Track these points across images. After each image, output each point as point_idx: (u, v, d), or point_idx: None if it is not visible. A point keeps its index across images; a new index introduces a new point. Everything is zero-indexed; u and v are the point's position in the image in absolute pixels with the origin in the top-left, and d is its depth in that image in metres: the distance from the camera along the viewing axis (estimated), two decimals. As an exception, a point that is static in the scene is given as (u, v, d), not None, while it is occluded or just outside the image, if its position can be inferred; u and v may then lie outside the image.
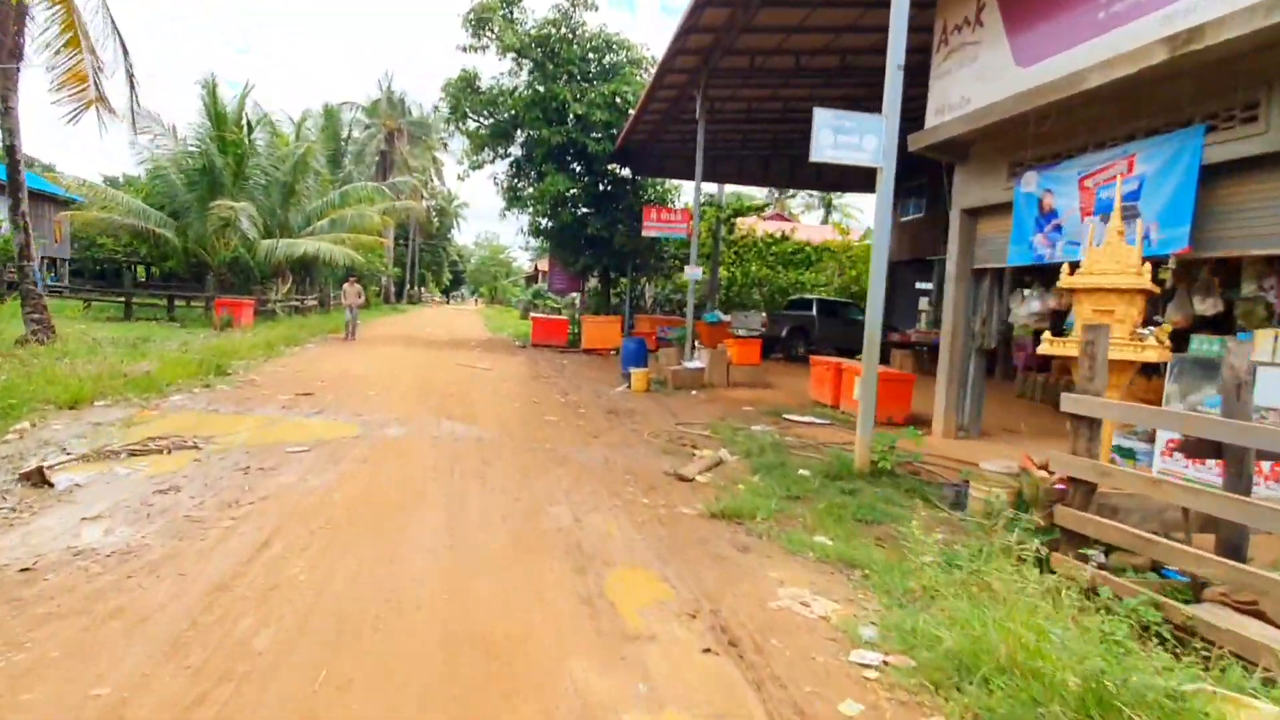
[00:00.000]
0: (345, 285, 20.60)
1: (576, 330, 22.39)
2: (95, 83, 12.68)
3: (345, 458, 6.30)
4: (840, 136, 6.38)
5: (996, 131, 8.52)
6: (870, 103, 17.12)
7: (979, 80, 8.58)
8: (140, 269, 40.37)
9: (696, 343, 14.14)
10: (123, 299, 21.63)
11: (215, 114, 22.35)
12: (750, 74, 14.87)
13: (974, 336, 9.55)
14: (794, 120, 19.19)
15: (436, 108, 30.93)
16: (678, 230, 14.07)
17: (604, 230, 21.25)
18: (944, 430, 9.56)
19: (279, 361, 13.56)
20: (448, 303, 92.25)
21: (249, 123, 23.23)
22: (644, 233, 14.49)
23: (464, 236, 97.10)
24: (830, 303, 21.88)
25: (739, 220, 24.57)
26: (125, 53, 12.46)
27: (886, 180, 6.60)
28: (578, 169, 21.56)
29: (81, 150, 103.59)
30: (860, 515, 5.52)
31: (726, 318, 23.95)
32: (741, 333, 20.97)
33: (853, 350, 22.80)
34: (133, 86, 12.55)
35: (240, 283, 23.00)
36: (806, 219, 50.85)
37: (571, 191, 20.84)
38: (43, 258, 35.83)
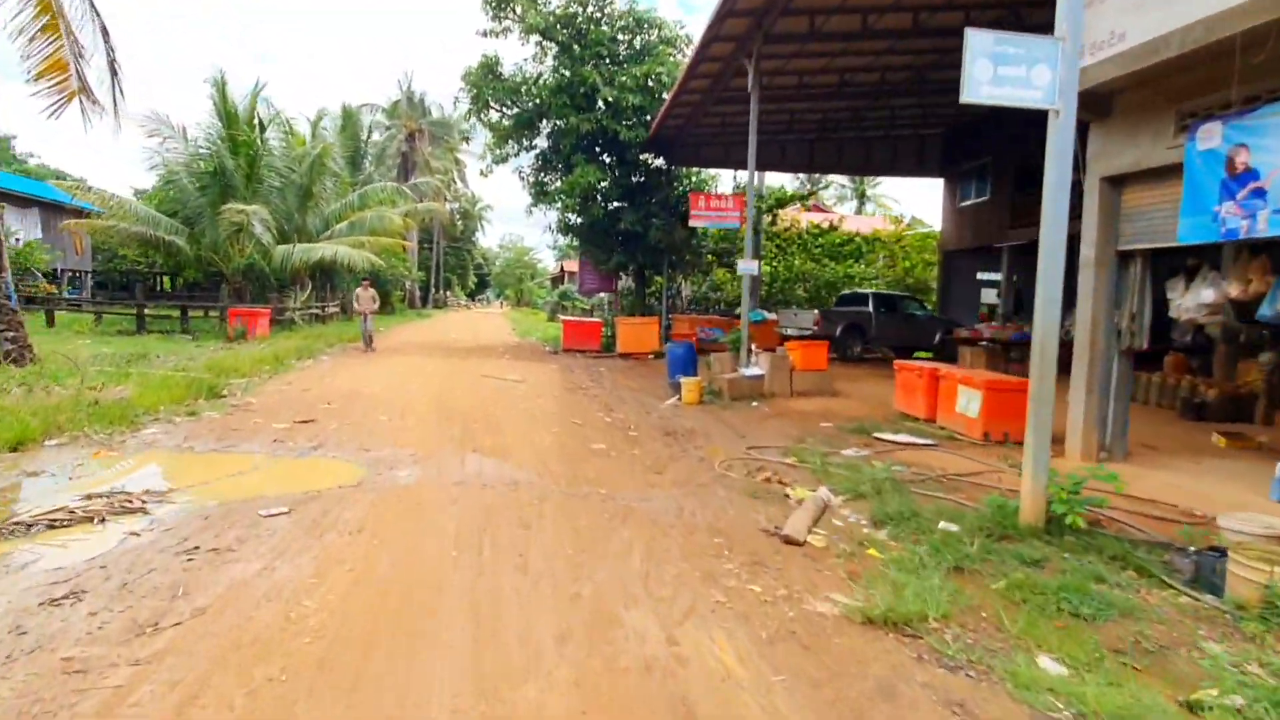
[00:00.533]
0: (359, 290, 19.07)
1: (610, 333, 20.77)
2: (77, 71, 11.30)
3: (335, 525, 4.68)
4: (1002, 68, 4.60)
5: (1159, 73, 6.66)
6: (943, 71, 15.23)
7: (1138, 9, 6.71)
8: (166, 280, 39.73)
9: (753, 346, 12.40)
10: (134, 312, 20.49)
11: (226, 113, 21.11)
12: (808, 38, 13.06)
13: (1119, 335, 7.68)
14: (850, 95, 17.33)
15: (456, 101, 29.58)
16: (729, 219, 12.32)
17: (637, 225, 19.58)
18: (1082, 451, 7.70)
19: (285, 378, 12.12)
20: (473, 306, 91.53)
21: (261, 122, 21.94)
22: (691, 222, 12.77)
23: (488, 239, 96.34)
24: (887, 297, 19.96)
25: (780, 212, 22.74)
26: (105, 35, 11.06)
27: (1064, 126, 4.79)
28: (608, 160, 19.92)
29: (116, 162, 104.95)
30: (1071, 604, 3.76)
31: (771, 316, 22.16)
32: (790, 332, 19.19)
33: (911, 349, 20.89)
34: (114, 74, 11.15)
35: (256, 291, 21.75)
36: (840, 210, 48.82)
37: (602, 184, 19.22)
38: (62, 270, 35.17)
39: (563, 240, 24.63)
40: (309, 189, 24.43)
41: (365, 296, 18.50)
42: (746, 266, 12.56)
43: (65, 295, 29.18)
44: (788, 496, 5.98)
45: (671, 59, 18.88)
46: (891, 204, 48.60)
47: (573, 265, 78.76)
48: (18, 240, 25.57)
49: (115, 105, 11.08)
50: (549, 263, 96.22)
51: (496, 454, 7.12)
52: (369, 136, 38.15)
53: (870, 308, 19.11)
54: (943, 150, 22.19)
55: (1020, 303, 18.48)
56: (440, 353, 18.42)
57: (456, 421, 8.76)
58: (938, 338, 19.59)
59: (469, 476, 6.18)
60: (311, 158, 23.64)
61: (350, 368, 13.95)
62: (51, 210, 29.97)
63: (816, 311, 18.72)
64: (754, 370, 11.85)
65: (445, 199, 58.14)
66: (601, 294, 25.20)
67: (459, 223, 78.54)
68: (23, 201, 28.32)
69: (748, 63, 12.95)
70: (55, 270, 33.36)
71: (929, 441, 8.42)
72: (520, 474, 6.35)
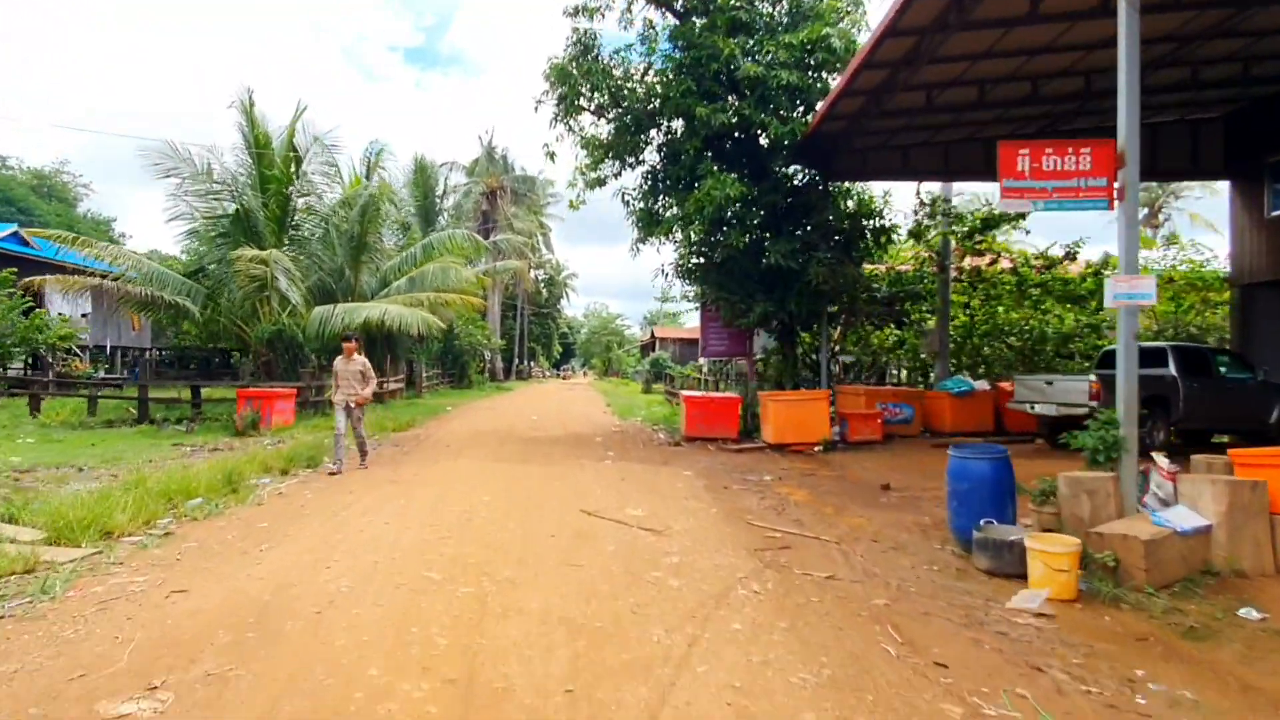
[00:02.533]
0: (338, 360, 10.27)
1: (752, 414, 14.59)
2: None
3: None
4: None
5: None
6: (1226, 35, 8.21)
7: None
8: (237, 356, 36.60)
9: (1158, 463, 5.75)
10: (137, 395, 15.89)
11: (255, 140, 16.81)
12: None
13: None
14: (1079, 71, 10.97)
15: (547, 155, 24.77)
16: (1088, 193, 5.79)
17: (791, 260, 13.51)
18: None
19: (211, 526, 6.42)
20: (559, 376, 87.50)
21: (297, 154, 17.46)
22: (1002, 204, 6.31)
23: (573, 308, 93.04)
24: (1195, 352, 12.87)
25: (987, 238, 16.26)
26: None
27: None
28: (746, 172, 14.15)
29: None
30: None
31: (982, 384, 15.39)
32: (1039, 410, 12.46)
33: (1240, 430, 13.65)
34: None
35: (287, 365, 16.87)
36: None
37: (739, 201, 13.36)
38: (113, 348, 32.35)
39: (679, 290, 18.72)
40: (362, 239, 19.83)
41: (348, 371, 10.02)
42: (1130, 290, 5.97)
43: (105, 376, 25.60)
44: None
45: (847, 14, 13.15)
46: (1194, 229, 34.75)
47: (666, 332, 73.69)
48: (56, 314, 22.04)
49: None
50: (635, 328, 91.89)
51: None
52: (444, 192, 34.31)
53: (1174, 369, 12.08)
54: (1226, 140, 15.32)
55: None
56: (513, 450, 12.58)
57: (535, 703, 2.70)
58: (1276, 414, 12.45)
59: None
60: (364, 199, 19.05)
61: (350, 495, 8.24)
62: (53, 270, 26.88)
63: (1092, 379, 11.82)
64: (1187, 518, 5.24)
65: (529, 262, 54.40)
66: (736, 358, 18.99)
67: (543, 290, 75.34)
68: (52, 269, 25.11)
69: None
70: (105, 347, 30.34)
71: None
72: None
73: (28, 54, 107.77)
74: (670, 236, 15.11)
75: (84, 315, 26.45)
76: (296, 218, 17.48)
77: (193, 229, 17.64)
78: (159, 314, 17.10)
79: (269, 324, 16.36)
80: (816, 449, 13.02)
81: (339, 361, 10.12)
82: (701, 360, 48.19)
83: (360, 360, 10.22)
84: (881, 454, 12.64)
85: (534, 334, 72.05)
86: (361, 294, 20.24)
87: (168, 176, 16.71)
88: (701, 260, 15.04)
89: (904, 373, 20.57)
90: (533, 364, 76.26)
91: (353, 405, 9.97)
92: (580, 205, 16.65)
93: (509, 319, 63.35)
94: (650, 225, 15.00)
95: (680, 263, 14.89)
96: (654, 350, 67.03)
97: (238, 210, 16.38)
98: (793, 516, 7.40)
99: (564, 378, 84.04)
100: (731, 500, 8.26)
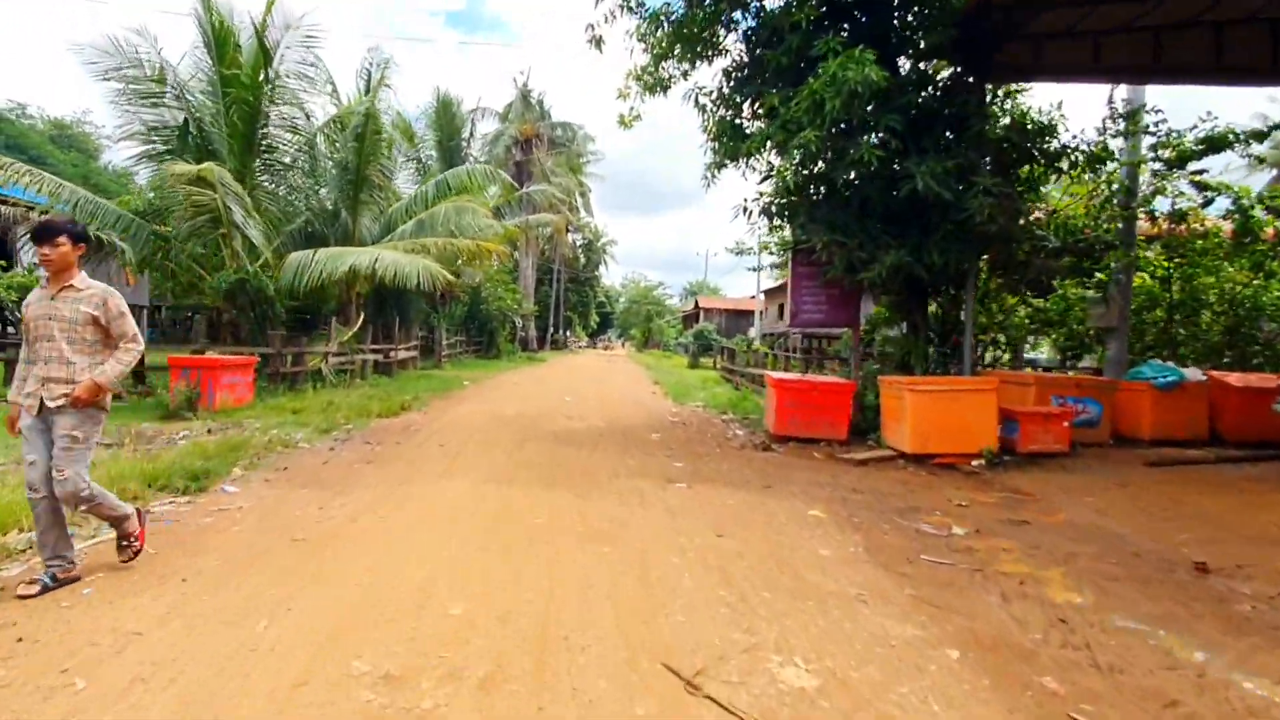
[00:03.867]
0: (33, 293, 3.98)
1: (869, 404, 10.43)
2: None
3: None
4: None
5: None
6: None
7: None
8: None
9: None
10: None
11: (215, 38, 12.86)
12: None
13: None
14: None
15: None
16: None
17: (943, 187, 9.09)
18: None
19: None
20: (600, 347, 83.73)
21: (266, 50, 13.25)
22: None
23: (610, 278, 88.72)
24: None
25: (1200, 165, 11.57)
26: None
27: None
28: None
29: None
30: None
31: (1195, 373, 10.95)
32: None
33: None
34: None
35: (253, 326, 13.06)
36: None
37: (874, 97, 8.94)
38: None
39: (760, 234, 14.23)
40: (360, 173, 15.89)
41: (56, 319, 3.78)
42: None
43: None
44: None
45: None
46: None
47: (711, 302, 69.01)
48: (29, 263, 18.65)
49: None
50: (675, 299, 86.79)
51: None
52: (470, 135, 30.12)
53: None
54: None
55: None
56: (535, 455, 8.54)
57: None
58: None
59: None
60: (359, 116, 15.01)
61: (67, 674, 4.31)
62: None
63: None
64: None
65: (567, 221, 50.24)
66: (837, 327, 14.56)
67: (581, 256, 71.13)
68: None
69: None
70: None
71: None
72: None
73: None
74: (760, 156, 10.76)
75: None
76: (268, 136, 13.59)
77: (146, 150, 13.85)
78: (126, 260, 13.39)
79: (230, 271, 12.56)
80: (976, 463, 8.80)
81: (34, 295, 3.91)
82: (756, 332, 43.18)
83: (93, 292, 3.88)
84: (1083, 476, 8.34)
85: (570, 302, 68.20)
86: (362, 242, 16.39)
87: (107, 79, 12.90)
88: (814, 180, 10.61)
89: (1043, 353, 16.02)
90: (568, 334, 72.59)
91: (62, 409, 3.77)
92: (633, 123, 12.45)
93: (544, 285, 59.38)
94: (735, 140, 10.66)
95: (780, 182, 10.40)
96: (697, 321, 62.52)
97: (186, 120, 12.51)
98: (1115, 674, 3.20)
99: (611, 348, 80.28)
100: (948, 599, 4.10)
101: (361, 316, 16.67)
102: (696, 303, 68.58)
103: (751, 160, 10.90)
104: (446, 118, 27.09)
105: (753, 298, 73.23)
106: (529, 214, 28.06)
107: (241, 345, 12.62)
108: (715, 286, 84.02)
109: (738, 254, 22.91)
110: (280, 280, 12.92)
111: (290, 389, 12.33)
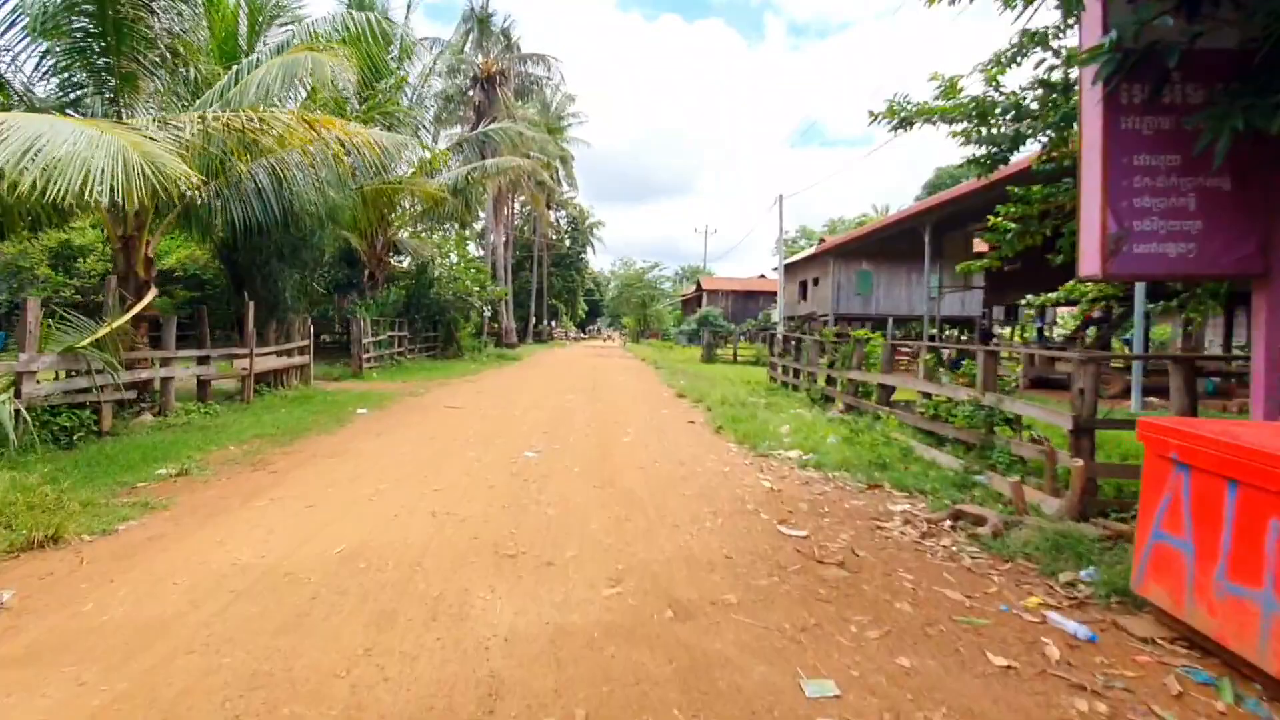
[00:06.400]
0: None
1: None
2: None
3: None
4: None
5: None
6: None
7: None
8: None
9: None
10: None
11: None
12: None
13: None
14: None
15: None
16: None
17: None
18: None
19: None
20: (584, 337, 75.83)
21: None
22: None
23: (598, 264, 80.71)
24: None
25: None
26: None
27: None
28: None
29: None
30: None
31: None
32: None
33: None
34: None
35: None
36: None
37: None
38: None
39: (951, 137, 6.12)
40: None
41: None
42: None
43: None
44: None
45: None
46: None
47: (716, 283, 61.15)
48: None
49: None
50: (668, 284, 78.56)
51: None
52: (411, 73, 21.98)
53: None
54: None
55: None
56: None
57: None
58: None
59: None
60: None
61: None
62: None
63: None
64: None
65: (550, 193, 42.36)
66: (1195, 276, 6.87)
67: (565, 237, 63.10)
68: None
69: None
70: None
71: None
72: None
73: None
74: None
75: None
76: None
77: None
78: None
79: None
80: None
81: None
82: (778, 315, 33.92)
83: None
84: None
85: (555, 289, 60.32)
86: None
87: None
88: None
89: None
90: (554, 324, 64.74)
91: None
92: None
93: (525, 270, 51.43)
94: None
95: None
96: (700, 305, 54.80)
97: None
98: None
99: (605, 339, 72.18)
100: None
101: (149, 294, 8.95)
102: (699, 284, 60.93)
103: None
104: (366, 35, 19.09)
105: (762, 276, 65.80)
106: (490, 156, 20.29)
107: None
108: (709, 271, 76.10)
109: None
110: None
111: None
